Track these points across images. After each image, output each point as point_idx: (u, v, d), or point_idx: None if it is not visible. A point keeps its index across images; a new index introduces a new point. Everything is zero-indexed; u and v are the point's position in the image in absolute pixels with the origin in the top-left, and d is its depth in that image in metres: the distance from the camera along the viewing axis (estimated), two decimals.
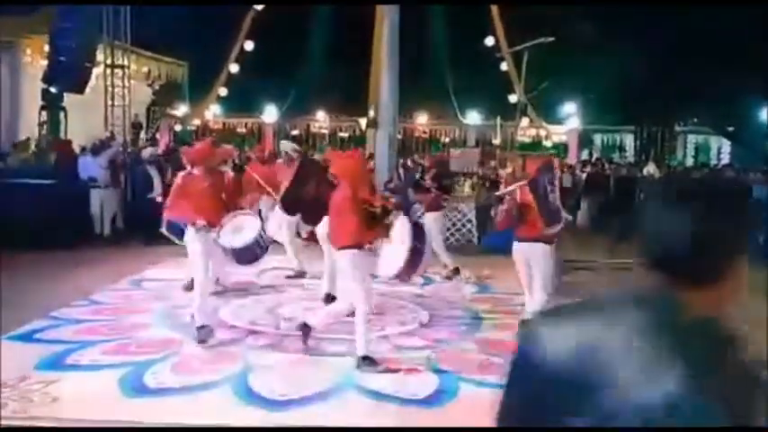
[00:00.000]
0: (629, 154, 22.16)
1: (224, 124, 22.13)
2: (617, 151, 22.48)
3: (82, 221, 11.53)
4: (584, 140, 21.93)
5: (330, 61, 20.49)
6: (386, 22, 13.49)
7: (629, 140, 22.55)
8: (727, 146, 21.89)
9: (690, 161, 21.33)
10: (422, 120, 21.90)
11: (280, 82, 20.73)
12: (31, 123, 15.07)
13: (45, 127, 14.68)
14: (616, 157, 21.23)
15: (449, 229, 12.01)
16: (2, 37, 14.87)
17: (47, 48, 13.60)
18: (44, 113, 14.76)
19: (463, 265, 9.23)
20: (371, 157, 14.12)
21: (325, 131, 22.16)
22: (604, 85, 19.47)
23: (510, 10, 20.36)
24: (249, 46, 21.41)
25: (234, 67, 21.61)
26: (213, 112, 22.01)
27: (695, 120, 22.37)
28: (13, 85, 15.23)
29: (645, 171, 15.69)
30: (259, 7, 21.07)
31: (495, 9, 20.93)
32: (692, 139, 22.32)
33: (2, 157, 13.23)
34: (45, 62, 13.59)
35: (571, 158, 19.05)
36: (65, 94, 14.20)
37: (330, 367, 5.37)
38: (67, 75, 13.00)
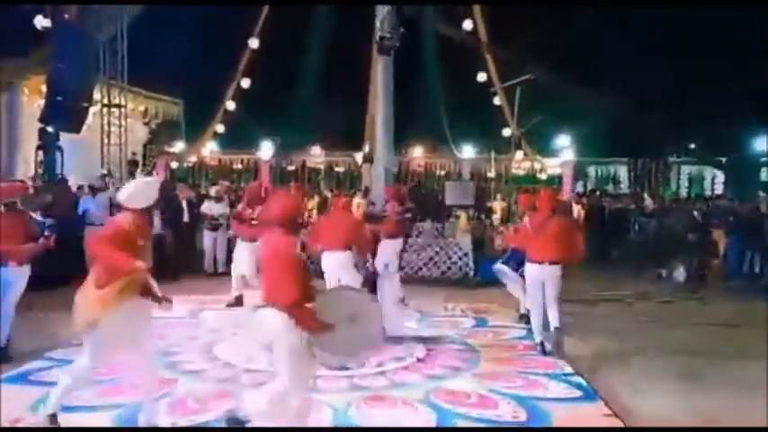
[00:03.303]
0: (624, 185, 22.27)
1: (220, 161, 22.22)
2: (611, 183, 22.59)
3: (79, 260, 11.50)
4: (579, 172, 22.05)
5: (326, 97, 20.68)
6: (380, 60, 13.66)
7: (623, 172, 22.68)
8: (720, 176, 22.03)
9: (684, 192, 21.42)
10: (417, 153, 22.03)
11: (276, 118, 20.89)
12: (28, 162, 15.14)
13: (42, 166, 14.74)
14: (610, 189, 21.33)
15: (445, 263, 12.03)
16: (1, 77, 15.04)
17: (44, 87, 13.73)
18: (41, 153, 14.84)
19: (460, 298, 9.24)
20: (368, 191, 14.20)
21: (321, 167, 22.26)
22: (597, 118, 19.67)
23: (501, 46, 20.70)
24: (246, 83, 21.64)
25: (230, 105, 21.81)
26: (210, 149, 22.12)
27: (692, 146, 22.53)
28: (10, 125, 15.32)
29: (643, 203, 15.73)
30: (255, 45, 21.36)
31: (486, 45, 21.28)
32: (685, 169, 22.47)
33: None
34: (42, 102, 13.69)
35: (566, 191, 19.13)
36: (61, 134, 14.30)
37: (326, 407, 5.33)
38: (64, 114, 13.09)
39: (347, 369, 5.50)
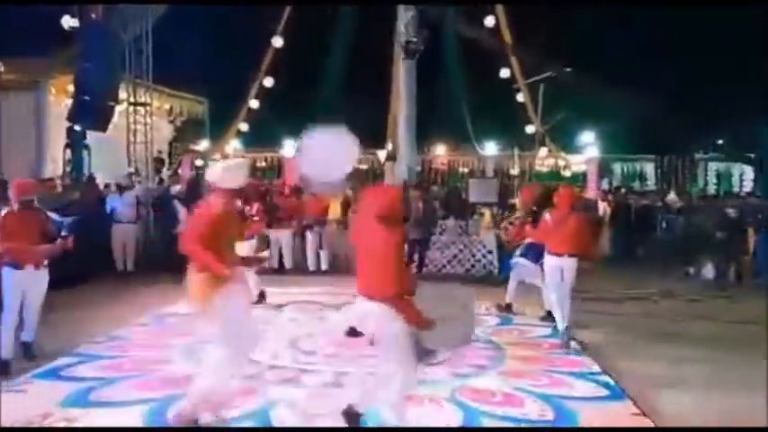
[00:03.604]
0: (651, 183, 21.99)
1: (244, 158, 22.37)
2: (637, 180, 22.32)
3: (106, 257, 11.70)
4: (604, 169, 21.82)
5: (348, 95, 20.71)
6: (403, 59, 13.64)
7: (649, 169, 22.39)
8: (749, 173, 21.66)
9: (712, 189, 21.10)
10: (440, 151, 21.97)
11: (299, 117, 20.95)
12: (56, 161, 15.38)
13: (69, 164, 14.96)
14: (636, 186, 21.09)
15: (469, 260, 11.99)
16: (28, 77, 15.28)
17: (71, 87, 13.91)
18: (68, 151, 15.06)
19: (484, 296, 9.20)
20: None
21: None
22: (623, 114, 19.45)
23: (525, 41, 20.53)
24: (269, 82, 21.74)
25: (254, 103, 21.93)
26: (233, 147, 22.26)
27: (719, 142, 22.18)
28: (38, 124, 15.56)
29: (667, 200, 15.54)
30: (279, 44, 21.44)
31: (509, 39, 21.11)
32: (713, 166, 22.11)
33: None
34: (69, 101, 13.87)
35: (591, 188, 18.96)
36: (88, 132, 14.49)
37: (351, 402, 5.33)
38: (91, 113, 13.26)
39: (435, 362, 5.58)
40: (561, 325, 7.24)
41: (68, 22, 13.87)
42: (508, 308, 8.85)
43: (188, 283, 4.61)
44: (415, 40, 12.37)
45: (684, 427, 5.06)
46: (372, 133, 20.85)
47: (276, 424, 4.90)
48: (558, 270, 7.29)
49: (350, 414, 4.56)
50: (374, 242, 4.37)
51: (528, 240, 8.25)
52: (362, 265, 4.47)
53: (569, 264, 7.24)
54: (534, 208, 8.32)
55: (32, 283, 6.16)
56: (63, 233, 6.31)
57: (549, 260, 7.41)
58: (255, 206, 9.04)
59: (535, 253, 7.98)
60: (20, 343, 6.32)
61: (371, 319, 4.39)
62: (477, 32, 19.73)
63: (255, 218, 8.94)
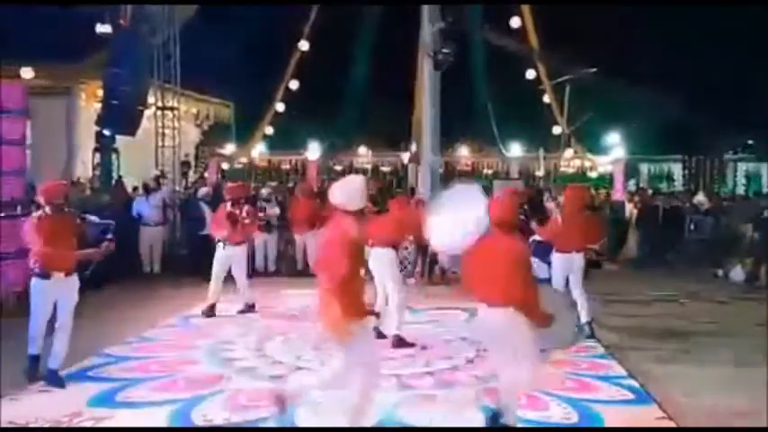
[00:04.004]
0: (678, 183, 21.71)
1: (269, 161, 22.55)
2: (665, 181, 22.05)
3: (133, 260, 11.87)
4: (631, 170, 21.59)
5: (372, 98, 20.80)
6: (427, 62, 13.65)
7: (677, 170, 22.11)
8: None
9: (741, 190, 20.76)
10: (464, 152, 21.94)
11: (323, 119, 21.11)
12: (85, 164, 15.67)
13: (99, 168, 15.23)
14: (664, 187, 20.83)
15: None
16: (59, 83, 15.57)
17: (100, 92, 14.14)
18: (97, 155, 15.33)
19: None
20: (413, 191, 14.17)
21: (368, 166, 22.36)
22: (650, 114, 19.23)
23: (551, 42, 20.42)
24: (294, 85, 21.91)
25: (279, 106, 22.12)
26: (259, 150, 22.48)
27: (749, 142, 21.81)
28: (69, 128, 15.85)
29: (696, 201, 15.30)
30: (305, 48, 21.61)
31: (535, 43, 21.02)
32: (742, 166, 21.76)
33: None
34: (99, 106, 14.10)
35: (617, 189, 18.77)
36: (117, 137, 14.72)
37: (374, 404, 5.35)
38: (120, 118, 13.44)
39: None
40: (584, 318, 7.41)
41: (101, 28, 14.12)
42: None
43: (323, 309, 4.37)
44: (446, 51, 12.46)
45: (686, 427, 5.00)
46: (396, 135, 20.96)
47: (300, 425, 4.94)
48: (565, 267, 7.55)
49: (495, 418, 4.67)
50: (496, 250, 4.40)
51: (536, 238, 8.47)
52: (482, 273, 4.47)
53: (577, 261, 7.54)
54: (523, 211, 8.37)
55: (63, 291, 5.81)
56: (109, 236, 6.13)
57: (556, 259, 7.68)
58: (245, 208, 9.01)
59: (543, 252, 8.21)
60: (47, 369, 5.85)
61: (497, 325, 4.42)
62: (504, 39, 19.62)
63: (246, 220, 8.89)
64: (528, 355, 4.44)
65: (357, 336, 4.30)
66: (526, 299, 4.32)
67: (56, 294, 5.78)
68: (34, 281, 5.75)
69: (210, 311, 8.61)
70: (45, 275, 5.70)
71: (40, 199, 6.13)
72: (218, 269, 8.70)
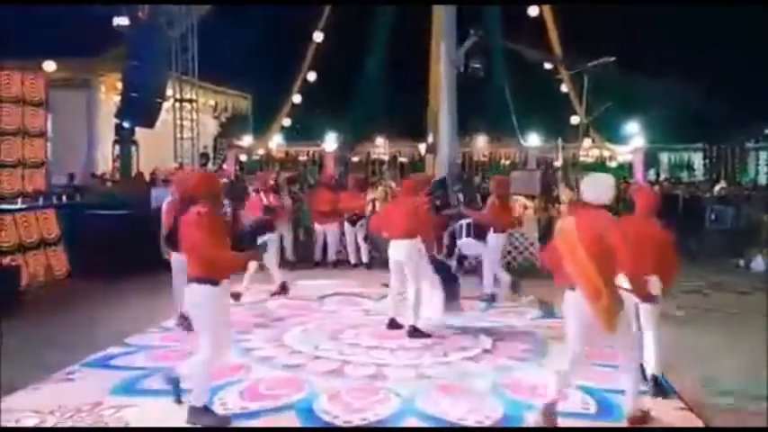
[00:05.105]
0: (699, 172, 21.46)
1: (286, 153, 22.62)
2: (685, 170, 21.80)
3: (154, 249, 11.92)
4: (651, 160, 21.36)
5: (389, 88, 20.78)
6: (443, 47, 13.61)
7: (697, 159, 21.85)
8: None
9: (762, 179, 20.46)
10: (481, 143, 21.84)
11: (340, 111, 21.13)
12: (106, 156, 15.83)
13: (118, 160, 15.39)
14: (685, 177, 20.60)
15: (510, 253, 11.89)
16: (79, 75, 15.74)
17: (120, 85, 14.26)
18: (117, 147, 15.49)
19: (526, 288, 9.14)
20: (429, 181, 14.12)
21: (385, 157, 22.35)
22: (669, 103, 19.02)
23: (568, 31, 20.25)
24: (311, 77, 21.94)
25: (297, 98, 22.16)
26: (276, 142, 22.55)
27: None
28: (89, 121, 16.02)
29: (716, 190, 15.15)
30: (320, 39, 21.63)
31: (553, 31, 20.87)
32: (763, 155, 21.44)
33: (79, 189, 13.89)
34: (118, 98, 14.22)
35: (637, 178, 18.60)
36: (136, 129, 14.85)
37: (393, 395, 5.38)
38: (139, 110, 13.57)
39: None
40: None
41: (119, 21, 14.24)
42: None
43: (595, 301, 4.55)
44: (476, 66, 12.58)
45: (682, 427, 4.96)
46: (413, 125, 20.90)
47: (319, 414, 4.98)
48: None
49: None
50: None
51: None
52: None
53: None
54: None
55: (226, 299, 5.07)
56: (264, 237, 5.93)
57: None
58: (270, 197, 9.17)
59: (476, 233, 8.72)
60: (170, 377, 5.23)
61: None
62: (521, 45, 19.43)
63: (272, 209, 9.11)
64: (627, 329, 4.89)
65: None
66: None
67: (222, 304, 4.91)
68: (203, 288, 4.72)
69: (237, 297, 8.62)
70: (215, 282, 4.74)
71: (182, 190, 5.88)
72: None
